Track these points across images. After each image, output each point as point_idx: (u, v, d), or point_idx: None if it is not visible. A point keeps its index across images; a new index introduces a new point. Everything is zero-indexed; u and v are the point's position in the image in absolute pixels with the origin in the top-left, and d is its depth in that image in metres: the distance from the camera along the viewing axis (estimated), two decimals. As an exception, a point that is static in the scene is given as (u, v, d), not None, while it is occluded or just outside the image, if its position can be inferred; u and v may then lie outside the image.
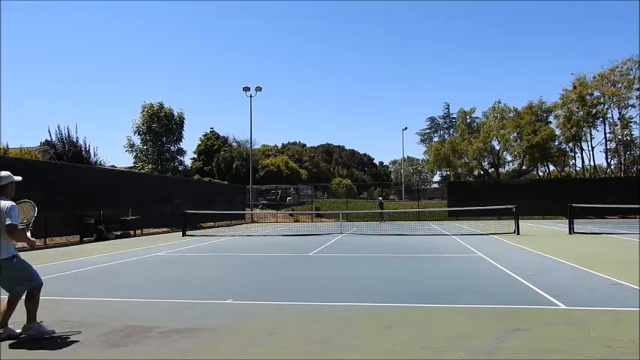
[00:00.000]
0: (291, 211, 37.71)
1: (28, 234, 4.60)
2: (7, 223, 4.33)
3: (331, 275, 8.42)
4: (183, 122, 36.13)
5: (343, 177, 68.75)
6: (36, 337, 4.38)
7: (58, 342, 4.32)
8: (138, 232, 20.26)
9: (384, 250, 12.54)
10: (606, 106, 48.08)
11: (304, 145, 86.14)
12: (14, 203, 4.53)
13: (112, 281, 8.01)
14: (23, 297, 4.47)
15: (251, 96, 40.75)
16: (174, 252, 12.97)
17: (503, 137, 54.69)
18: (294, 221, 33.87)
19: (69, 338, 4.38)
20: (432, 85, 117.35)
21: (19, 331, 4.49)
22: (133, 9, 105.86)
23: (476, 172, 60.95)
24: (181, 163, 38.55)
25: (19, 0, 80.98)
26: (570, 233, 17.18)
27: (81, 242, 16.63)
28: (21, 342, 4.31)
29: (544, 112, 53.66)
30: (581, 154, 51.48)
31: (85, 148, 28.17)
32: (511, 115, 54.65)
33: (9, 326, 4.50)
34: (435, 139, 75.50)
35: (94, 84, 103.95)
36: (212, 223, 28.00)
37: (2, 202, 4.44)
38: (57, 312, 5.43)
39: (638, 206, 21.64)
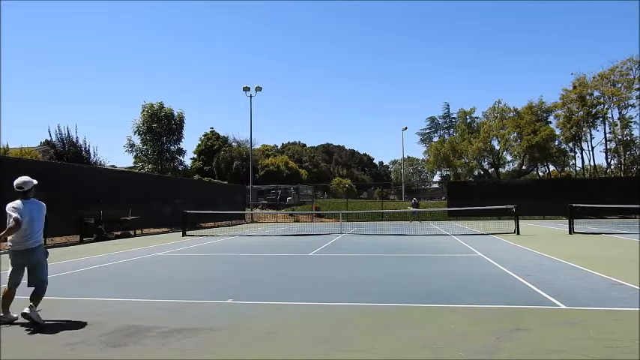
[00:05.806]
0: (291, 211, 37.67)
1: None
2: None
3: (331, 275, 8.41)
4: (183, 122, 36.10)
5: (343, 177, 68.73)
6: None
7: (59, 342, 4.32)
8: (138, 232, 20.24)
9: (384, 250, 12.54)
10: (606, 106, 48.05)
11: (304, 145, 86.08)
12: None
13: (112, 281, 8.01)
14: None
15: (251, 96, 40.81)
16: (175, 252, 12.97)
17: (503, 137, 54.65)
18: (294, 221, 33.84)
19: (69, 338, 4.38)
20: (432, 85, 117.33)
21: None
22: (133, 9, 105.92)
23: (476, 172, 60.92)
24: (181, 163, 38.61)
25: (19, 0, 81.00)
26: (570, 233, 17.18)
27: (81, 242, 16.61)
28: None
29: (544, 112, 53.62)
30: (581, 154, 51.53)
31: (85, 148, 28.13)
32: (511, 115, 54.62)
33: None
34: (435, 139, 75.31)
35: (94, 84, 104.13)
36: (212, 223, 27.98)
37: (39, 202, 5.46)
38: (57, 312, 5.43)
39: (638, 206, 21.60)
